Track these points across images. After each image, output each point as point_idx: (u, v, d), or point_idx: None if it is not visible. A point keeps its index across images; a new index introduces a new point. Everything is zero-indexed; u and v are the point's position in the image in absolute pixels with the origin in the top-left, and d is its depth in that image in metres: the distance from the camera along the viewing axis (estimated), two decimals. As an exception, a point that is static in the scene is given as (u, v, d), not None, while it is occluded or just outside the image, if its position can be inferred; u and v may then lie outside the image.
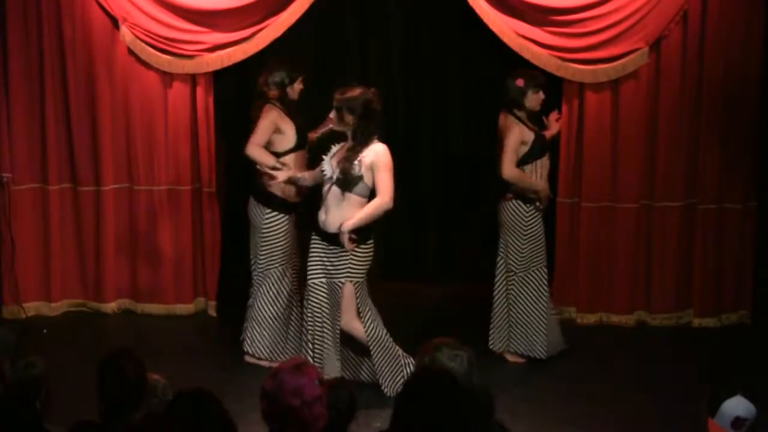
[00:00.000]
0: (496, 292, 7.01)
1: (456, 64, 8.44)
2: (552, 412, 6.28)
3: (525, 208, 6.83)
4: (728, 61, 7.56)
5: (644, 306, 7.84)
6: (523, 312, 6.92)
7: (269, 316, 6.87)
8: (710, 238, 7.78)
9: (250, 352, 6.92)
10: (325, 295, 6.33)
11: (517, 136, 6.74)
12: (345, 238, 6.15)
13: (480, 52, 8.06)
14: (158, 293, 7.96)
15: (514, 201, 6.84)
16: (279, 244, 6.84)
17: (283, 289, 6.87)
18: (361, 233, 6.20)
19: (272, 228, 6.82)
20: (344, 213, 6.20)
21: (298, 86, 6.95)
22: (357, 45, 8.47)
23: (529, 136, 6.81)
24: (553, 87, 7.60)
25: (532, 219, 6.85)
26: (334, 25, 8.38)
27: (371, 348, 6.37)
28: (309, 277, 6.37)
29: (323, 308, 6.34)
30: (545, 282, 6.98)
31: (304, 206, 6.89)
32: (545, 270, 6.98)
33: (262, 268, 6.87)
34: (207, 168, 7.77)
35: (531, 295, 6.91)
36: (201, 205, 7.87)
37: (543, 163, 6.92)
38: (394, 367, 6.38)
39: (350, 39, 8.48)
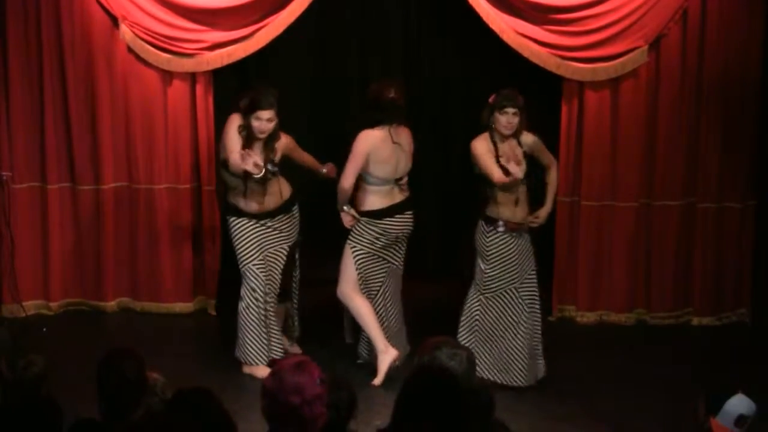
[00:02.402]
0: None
1: (456, 63, 8.44)
2: (551, 411, 6.27)
3: (486, 229, 6.47)
4: (728, 60, 7.57)
5: (644, 305, 7.85)
6: (483, 333, 6.56)
7: (247, 320, 6.72)
8: (710, 237, 7.78)
9: (237, 355, 6.80)
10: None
11: (483, 145, 6.38)
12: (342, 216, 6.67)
13: (480, 52, 8.06)
14: (158, 292, 7.96)
15: (480, 222, 6.53)
16: (243, 245, 6.69)
17: (257, 291, 6.70)
18: (363, 212, 6.61)
19: (235, 235, 6.72)
20: (357, 195, 6.65)
21: (264, 122, 6.50)
22: (357, 45, 8.47)
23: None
24: (553, 86, 7.63)
25: (495, 242, 6.45)
26: (334, 23, 8.37)
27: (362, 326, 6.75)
28: None
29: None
30: (508, 308, 6.52)
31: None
32: (510, 295, 6.51)
33: (242, 274, 6.75)
34: (207, 166, 7.78)
35: (492, 319, 6.53)
36: (201, 204, 7.87)
37: (520, 190, 6.46)
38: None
39: (350, 38, 8.47)
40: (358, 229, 6.64)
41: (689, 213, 7.76)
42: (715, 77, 7.57)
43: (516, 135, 6.45)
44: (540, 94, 7.85)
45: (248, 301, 6.71)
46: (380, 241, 6.68)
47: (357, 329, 6.91)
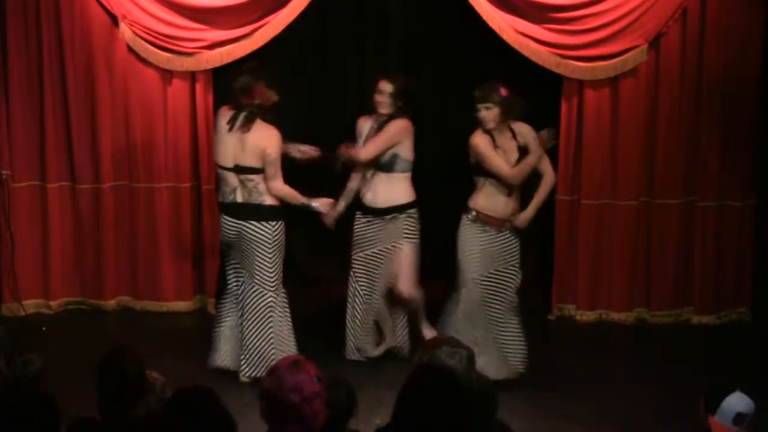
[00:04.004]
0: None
1: (456, 62, 8.44)
2: (551, 409, 6.27)
3: (465, 218, 6.56)
4: (727, 58, 7.57)
5: (644, 303, 7.85)
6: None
7: (287, 333, 6.60)
8: (709, 235, 7.78)
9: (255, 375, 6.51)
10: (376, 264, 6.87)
11: (484, 140, 6.41)
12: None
13: (480, 51, 8.06)
14: (157, 290, 7.97)
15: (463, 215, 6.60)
16: (282, 253, 6.54)
17: (286, 301, 6.65)
18: (409, 204, 6.82)
19: (279, 238, 6.47)
20: (393, 189, 6.74)
21: None
22: (356, 44, 8.47)
23: None
24: (553, 84, 7.63)
25: (464, 231, 6.54)
26: (334, 23, 8.37)
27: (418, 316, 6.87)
28: (362, 250, 6.85)
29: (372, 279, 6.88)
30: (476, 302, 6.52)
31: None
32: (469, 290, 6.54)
33: (274, 285, 6.50)
34: (206, 165, 7.78)
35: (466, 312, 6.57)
36: (200, 203, 7.87)
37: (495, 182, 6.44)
38: None
39: (349, 38, 8.47)
40: (412, 223, 6.80)
41: (689, 211, 7.77)
42: (714, 75, 7.57)
43: (499, 127, 6.41)
44: (540, 92, 7.86)
45: (286, 314, 6.60)
46: None
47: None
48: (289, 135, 7.82)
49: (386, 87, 6.65)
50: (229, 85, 6.51)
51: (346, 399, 4.07)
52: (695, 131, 7.67)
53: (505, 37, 7.43)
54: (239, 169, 6.39)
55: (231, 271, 6.64)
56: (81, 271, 7.99)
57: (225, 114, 6.44)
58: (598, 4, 7.45)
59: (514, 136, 6.45)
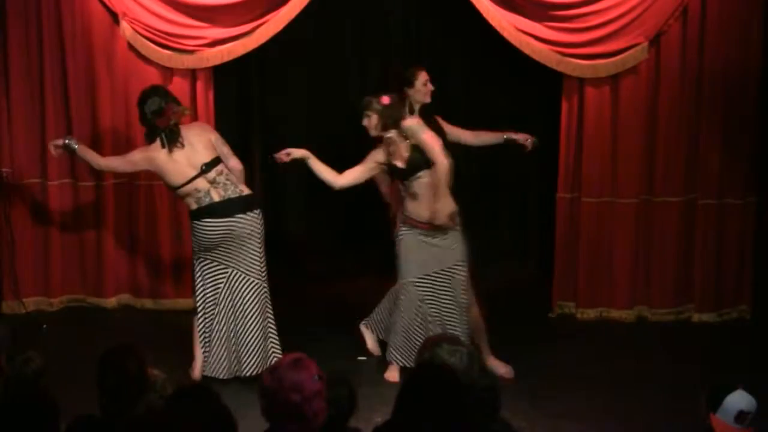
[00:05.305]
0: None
1: (456, 61, 8.44)
2: (551, 407, 6.26)
3: (400, 224, 6.51)
4: (728, 57, 7.56)
5: (644, 301, 7.85)
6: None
7: (274, 325, 6.61)
8: (710, 233, 7.78)
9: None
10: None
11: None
12: None
13: (481, 50, 8.06)
14: (158, 288, 7.97)
15: None
16: None
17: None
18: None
19: (263, 227, 6.52)
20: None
21: None
22: (356, 43, 8.46)
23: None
24: (554, 82, 7.63)
25: (402, 235, 6.46)
26: (334, 22, 8.37)
27: None
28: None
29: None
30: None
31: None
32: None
33: (265, 275, 6.53)
34: (207, 163, 7.78)
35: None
36: (201, 201, 7.87)
37: (421, 184, 6.38)
38: None
39: (349, 36, 8.47)
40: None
41: (690, 209, 7.76)
42: (714, 73, 7.57)
43: (396, 134, 6.37)
44: (540, 90, 7.86)
45: (270, 304, 6.60)
46: None
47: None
48: (289, 135, 7.89)
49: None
50: (140, 112, 6.51)
51: (346, 397, 4.07)
52: (696, 129, 7.67)
53: (505, 35, 7.43)
54: (207, 167, 6.41)
55: (213, 276, 6.49)
56: (81, 268, 8.00)
57: (152, 149, 6.47)
58: (599, 2, 7.44)
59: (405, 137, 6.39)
